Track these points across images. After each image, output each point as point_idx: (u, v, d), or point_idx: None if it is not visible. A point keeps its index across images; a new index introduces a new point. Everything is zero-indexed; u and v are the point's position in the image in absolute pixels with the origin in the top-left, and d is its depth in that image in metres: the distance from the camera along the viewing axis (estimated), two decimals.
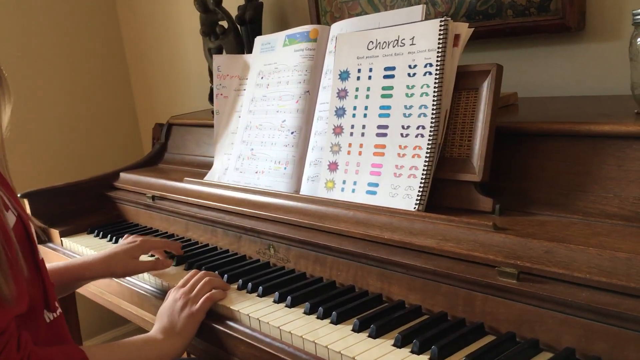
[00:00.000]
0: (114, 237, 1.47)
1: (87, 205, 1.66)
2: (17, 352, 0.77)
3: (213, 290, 1.03)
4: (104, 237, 1.51)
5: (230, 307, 1.00)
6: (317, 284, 1.03)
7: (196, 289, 1.03)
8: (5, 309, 0.76)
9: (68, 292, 1.20)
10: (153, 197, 1.50)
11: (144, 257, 1.24)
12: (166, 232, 1.46)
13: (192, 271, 1.10)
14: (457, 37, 0.99)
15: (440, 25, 0.98)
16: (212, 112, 1.51)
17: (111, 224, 1.60)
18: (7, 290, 0.75)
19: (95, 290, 1.38)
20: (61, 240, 1.55)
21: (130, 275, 1.21)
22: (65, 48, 2.43)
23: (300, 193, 1.18)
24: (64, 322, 0.95)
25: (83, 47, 2.48)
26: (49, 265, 1.01)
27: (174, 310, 1.01)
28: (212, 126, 1.51)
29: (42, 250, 1.49)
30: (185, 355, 1.63)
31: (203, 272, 1.09)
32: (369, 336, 0.84)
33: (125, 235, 1.28)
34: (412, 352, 0.78)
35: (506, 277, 0.78)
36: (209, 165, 1.49)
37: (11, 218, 0.84)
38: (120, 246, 1.20)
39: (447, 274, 0.85)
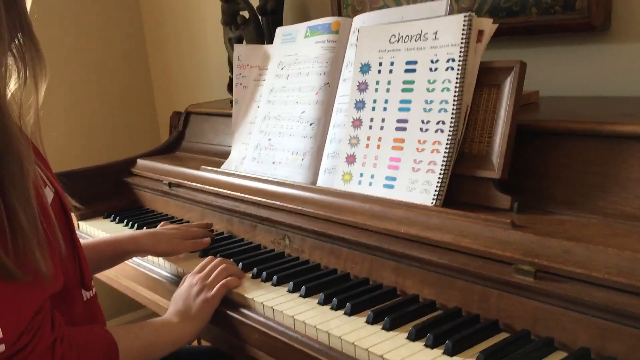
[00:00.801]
0: (130, 222, 1.48)
1: (105, 190, 1.67)
2: (51, 333, 0.78)
3: (229, 278, 1.04)
4: (120, 221, 1.53)
5: (245, 295, 1.01)
6: (332, 275, 1.04)
7: (212, 276, 1.04)
8: (42, 287, 0.77)
9: (113, 266, 1.22)
10: (170, 184, 1.51)
11: None
12: (182, 219, 1.47)
13: (208, 258, 1.11)
14: (480, 32, 0.98)
15: (464, 21, 0.98)
16: (231, 102, 1.52)
17: (128, 209, 1.61)
18: (45, 268, 0.75)
19: (111, 274, 1.39)
20: (78, 224, 1.57)
21: (171, 254, 1.22)
22: (86, 34, 2.44)
23: (317, 185, 1.18)
24: (98, 300, 0.96)
25: (104, 33, 2.50)
26: (95, 238, 1.03)
27: (189, 295, 1.02)
28: (230, 116, 1.51)
29: None
30: (196, 342, 1.65)
31: (219, 259, 1.10)
32: (383, 328, 0.84)
33: (162, 223, 1.31)
34: (426, 345, 0.78)
35: (523, 274, 0.78)
36: (226, 155, 1.50)
37: (49, 194, 0.85)
38: (165, 229, 1.24)
39: (463, 270, 0.85)
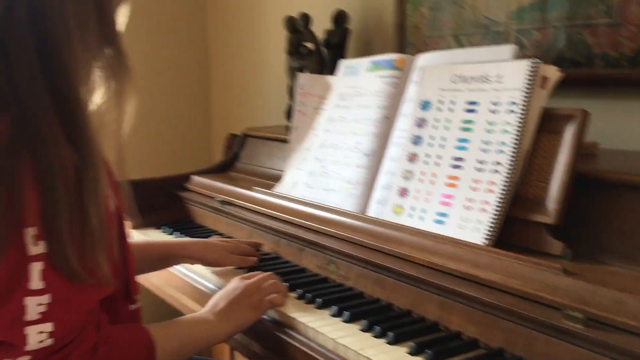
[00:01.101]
0: (181, 235, 1.52)
1: (158, 202, 1.72)
2: (96, 334, 0.81)
3: (275, 295, 1.06)
4: (171, 234, 1.57)
5: (288, 314, 1.02)
6: (375, 304, 1.04)
7: (263, 286, 1.06)
8: (100, 287, 0.80)
9: (159, 268, 1.25)
10: (222, 202, 1.56)
11: None
12: (231, 237, 1.50)
13: (259, 272, 1.13)
14: (545, 79, 1.00)
15: (530, 66, 0.99)
16: (286, 128, 1.56)
17: (179, 222, 1.66)
18: (106, 270, 0.78)
19: (158, 282, 1.43)
20: (130, 251, 1.62)
21: (218, 265, 1.26)
22: (153, 52, 2.56)
23: (368, 214, 1.20)
24: (140, 314, 0.98)
25: (170, 52, 2.61)
26: (147, 239, 1.07)
27: (233, 297, 1.03)
28: (285, 141, 1.55)
29: None
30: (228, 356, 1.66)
31: (268, 273, 1.12)
32: None
33: (214, 236, 1.36)
34: None
35: (572, 320, 0.77)
36: (277, 178, 1.53)
37: (111, 203, 0.88)
38: (216, 240, 1.29)
39: (510, 311, 0.85)
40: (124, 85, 0.87)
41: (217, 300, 1.04)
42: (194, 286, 1.28)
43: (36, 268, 0.73)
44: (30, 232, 0.72)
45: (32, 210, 0.72)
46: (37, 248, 0.73)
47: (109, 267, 0.79)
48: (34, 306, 0.73)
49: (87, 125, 0.79)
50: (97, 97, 0.91)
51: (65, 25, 0.77)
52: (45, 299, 0.73)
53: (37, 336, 0.74)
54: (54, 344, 0.75)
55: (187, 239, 1.28)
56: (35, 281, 0.73)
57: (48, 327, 0.74)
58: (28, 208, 0.72)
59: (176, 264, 1.28)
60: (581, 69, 1.26)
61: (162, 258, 1.22)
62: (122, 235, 0.93)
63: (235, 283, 1.07)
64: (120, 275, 0.90)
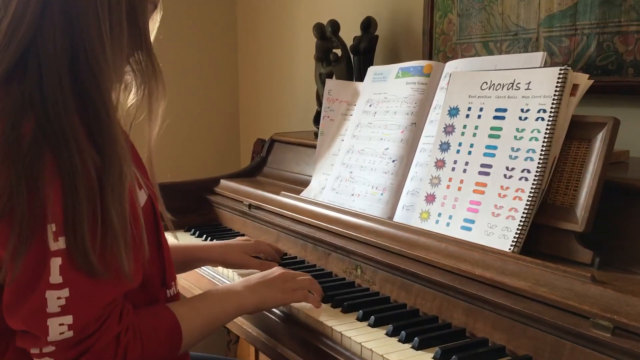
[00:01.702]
0: (209, 238, 1.55)
1: (188, 204, 1.75)
2: (118, 325, 0.83)
3: (310, 293, 1.08)
4: (199, 236, 1.60)
5: (315, 317, 1.03)
6: (401, 309, 1.05)
7: (299, 278, 1.08)
8: (120, 283, 0.82)
9: (183, 272, 1.28)
10: (249, 206, 1.57)
11: None
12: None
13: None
14: (575, 87, 1.00)
15: (560, 73, 0.99)
16: (315, 134, 1.58)
17: (207, 225, 1.69)
18: (127, 267, 0.80)
19: (186, 284, 1.45)
20: (164, 233, 1.65)
21: (239, 268, 1.29)
22: (184, 56, 2.60)
23: (394, 220, 1.21)
24: (180, 299, 1.01)
25: (200, 57, 2.66)
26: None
27: (268, 277, 1.06)
28: (313, 146, 1.57)
29: None
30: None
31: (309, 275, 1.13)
32: None
33: (238, 238, 1.38)
34: None
35: (600, 329, 0.77)
36: (305, 183, 1.55)
37: (142, 197, 0.91)
38: (235, 240, 1.30)
39: (537, 318, 0.85)
40: (154, 88, 0.90)
41: (252, 277, 1.08)
42: (213, 282, 1.29)
43: (56, 263, 0.76)
44: (52, 228, 0.75)
45: (54, 207, 0.75)
46: (57, 244, 0.76)
47: (131, 264, 0.81)
48: (54, 299, 0.76)
49: (112, 129, 0.81)
50: (128, 101, 0.95)
51: (99, 30, 0.80)
52: (64, 292, 0.77)
53: (57, 328, 0.77)
54: (74, 335, 0.78)
55: (208, 242, 1.29)
56: (55, 275, 0.76)
57: (68, 319, 0.77)
58: (50, 205, 0.75)
59: (197, 267, 1.31)
60: (611, 77, 1.25)
61: (184, 261, 1.24)
62: (156, 227, 0.95)
63: (274, 269, 1.11)
64: (155, 262, 0.93)
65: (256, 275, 1.08)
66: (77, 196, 0.76)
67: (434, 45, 1.65)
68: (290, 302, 1.07)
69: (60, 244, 0.76)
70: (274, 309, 1.12)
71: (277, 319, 1.10)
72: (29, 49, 0.79)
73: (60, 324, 0.77)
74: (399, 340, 0.93)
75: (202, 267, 1.35)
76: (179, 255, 1.22)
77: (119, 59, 0.84)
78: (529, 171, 1.00)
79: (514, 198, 1.00)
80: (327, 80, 1.57)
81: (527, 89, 1.04)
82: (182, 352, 0.93)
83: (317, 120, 1.83)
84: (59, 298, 0.76)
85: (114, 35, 0.82)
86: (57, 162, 0.76)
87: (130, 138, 0.92)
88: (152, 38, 0.99)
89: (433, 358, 0.87)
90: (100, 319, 0.80)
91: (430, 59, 1.66)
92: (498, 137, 1.06)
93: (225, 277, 1.31)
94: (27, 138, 0.76)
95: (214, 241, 1.32)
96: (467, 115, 1.13)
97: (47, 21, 0.79)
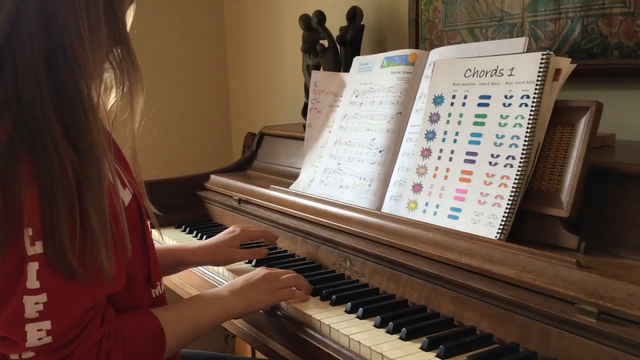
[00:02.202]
0: (199, 234, 1.54)
1: (178, 201, 1.75)
2: (99, 329, 0.81)
3: (295, 289, 1.07)
4: (190, 232, 1.59)
5: (304, 310, 1.03)
6: (390, 300, 1.05)
7: (283, 277, 1.08)
8: (101, 285, 0.80)
9: (170, 274, 1.27)
10: (239, 200, 1.57)
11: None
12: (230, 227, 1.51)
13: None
14: (558, 71, 0.99)
15: (542, 58, 0.98)
16: (304, 126, 1.57)
17: (198, 221, 1.68)
18: (108, 269, 0.79)
19: (177, 281, 1.45)
20: (150, 231, 1.64)
21: (230, 263, 1.28)
22: (171, 52, 2.59)
23: (382, 211, 1.20)
24: (165, 299, 1.00)
25: (188, 53, 2.64)
26: (158, 246, 1.10)
27: (252, 279, 1.06)
28: (302, 139, 1.56)
29: None
30: (250, 354, 1.68)
31: (294, 273, 1.13)
32: (437, 356, 0.84)
33: (224, 231, 1.32)
34: None
35: (585, 314, 0.77)
36: (294, 176, 1.54)
37: (127, 196, 0.90)
38: (221, 236, 1.28)
39: (523, 305, 0.84)
40: (133, 84, 0.88)
41: (236, 280, 1.07)
42: (211, 283, 1.29)
43: (33, 268, 0.74)
44: (29, 232, 0.74)
45: (30, 212, 0.74)
46: (34, 248, 0.74)
47: (112, 265, 0.79)
48: (31, 304, 0.75)
49: (90, 128, 0.80)
50: (110, 99, 0.93)
51: (77, 27, 0.78)
52: (42, 297, 0.75)
53: (36, 334, 0.75)
54: (53, 341, 0.76)
55: (196, 243, 1.26)
56: (32, 280, 0.74)
57: (47, 325, 0.75)
58: (26, 209, 0.73)
59: (185, 269, 1.30)
60: (597, 60, 1.24)
61: (173, 264, 1.22)
62: (141, 226, 0.94)
63: (258, 270, 1.10)
64: (140, 261, 0.92)
65: (241, 278, 1.07)
66: (55, 199, 0.74)
67: (420, 34, 1.64)
68: (276, 302, 1.07)
69: (37, 248, 0.74)
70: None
71: (266, 314, 1.10)
72: (4, 48, 0.77)
73: (38, 330, 0.75)
74: (387, 332, 0.93)
75: None
76: (168, 258, 1.21)
77: (98, 55, 0.83)
78: (513, 158, 0.99)
79: (500, 185, 1.00)
80: (313, 72, 1.56)
81: (510, 75, 1.03)
82: (166, 357, 0.91)
83: (305, 112, 1.82)
84: (36, 303, 0.75)
85: (92, 31, 0.80)
86: (34, 164, 0.75)
87: (113, 136, 0.91)
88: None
89: (420, 348, 0.87)
90: (82, 325, 0.79)
91: (416, 47, 1.65)
92: (483, 124, 1.06)
93: (216, 273, 1.31)
94: (2, 141, 0.75)
95: (202, 240, 1.30)
96: (452, 104, 1.12)
97: (23, 19, 0.77)
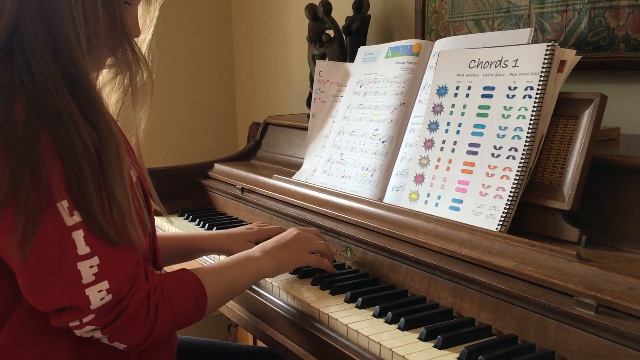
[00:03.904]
0: (202, 222, 1.55)
1: (181, 189, 1.75)
2: (146, 283, 0.85)
3: (323, 259, 1.11)
4: (193, 220, 1.59)
5: (303, 299, 1.03)
6: (389, 290, 1.05)
7: (315, 242, 1.11)
8: (135, 248, 0.84)
9: (185, 260, 1.26)
10: (242, 189, 1.57)
11: None
12: (250, 223, 1.51)
13: (313, 229, 1.18)
14: (562, 63, 0.98)
15: (547, 50, 0.98)
16: (308, 116, 1.57)
17: (201, 209, 1.68)
18: (136, 239, 0.82)
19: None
20: (154, 218, 1.65)
21: None
22: (178, 42, 2.59)
23: (384, 201, 1.20)
24: None
25: (195, 43, 2.64)
26: (171, 232, 1.11)
27: (284, 240, 1.09)
28: (306, 129, 1.56)
29: None
30: (252, 343, 1.68)
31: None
32: (435, 346, 0.84)
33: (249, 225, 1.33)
34: None
35: (584, 307, 0.76)
36: (298, 166, 1.54)
37: (133, 176, 0.91)
38: (239, 229, 1.28)
39: (523, 297, 0.84)
40: (136, 76, 0.89)
41: (267, 242, 1.10)
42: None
43: (79, 235, 0.78)
44: (64, 205, 0.77)
45: (59, 186, 0.76)
46: (73, 218, 0.77)
47: (139, 235, 0.84)
48: (87, 269, 0.78)
49: (101, 105, 0.83)
50: (113, 90, 0.96)
51: (72, 19, 0.80)
52: (94, 260, 0.79)
53: (97, 295, 0.79)
54: (112, 298, 0.80)
55: (212, 232, 1.27)
56: (82, 247, 0.78)
57: (105, 284, 0.80)
58: (55, 184, 0.76)
59: (200, 256, 1.29)
60: (603, 53, 1.23)
61: (187, 251, 1.23)
62: (147, 207, 0.96)
63: (290, 230, 1.13)
64: (147, 240, 0.93)
65: (272, 240, 1.10)
66: (81, 173, 0.77)
67: (427, 24, 1.63)
68: (304, 264, 1.10)
69: (76, 217, 0.77)
70: (263, 292, 1.12)
71: (266, 302, 1.10)
72: (13, 34, 0.80)
73: (99, 291, 0.79)
74: (386, 321, 0.93)
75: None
76: (181, 245, 1.21)
77: (96, 47, 0.85)
78: (516, 150, 0.99)
79: (502, 177, 0.99)
80: (318, 62, 1.56)
81: (515, 66, 1.03)
82: (208, 314, 0.95)
83: (309, 102, 1.81)
84: (91, 267, 0.78)
85: (88, 24, 0.83)
86: (55, 141, 0.77)
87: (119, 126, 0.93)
88: (150, 26, 0.99)
89: (419, 338, 0.87)
90: (131, 281, 0.83)
91: (422, 38, 1.64)
92: (486, 115, 1.05)
93: (214, 260, 1.31)
94: (20, 120, 0.76)
95: (219, 230, 1.29)
96: (456, 94, 1.12)
97: (25, 10, 0.80)
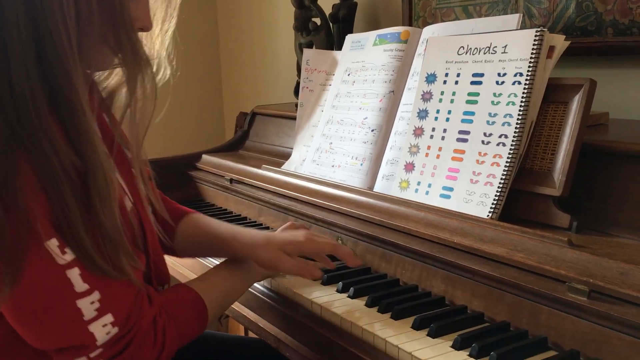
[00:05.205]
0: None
1: (169, 181, 1.72)
2: (150, 308, 0.81)
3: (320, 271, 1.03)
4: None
5: (294, 290, 1.03)
6: (381, 279, 1.04)
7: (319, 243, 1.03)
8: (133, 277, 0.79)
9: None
10: (231, 180, 1.56)
11: None
12: (239, 215, 1.51)
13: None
14: (551, 48, 0.98)
15: (536, 36, 0.97)
16: (296, 105, 1.55)
17: (189, 201, 1.67)
18: (128, 270, 0.77)
19: (184, 271, 1.42)
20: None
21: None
22: None
23: (374, 190, 1.19)
24: None
25: (179, 32, 2.60)
26: (213, 225, 1.07)
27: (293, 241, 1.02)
28: (294, 118, 1.55)
29: None
30: (244, 333, 1.68)
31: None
32: (428, 335, 0.84)
33: (289, 223, 1.13)
34: (470, 355, 0.78)
35: (576, 293, 0.76)
36: (286, 156, 1.53)
37: (127, 204, 0.86)
38: (280, 231, 1.09)
39: (514, 284, 0.84)
40: (136, 74, 0.80)
41: (276, 234, 1.05)
42: (205, 265, 1.29)
43: (75, 273, 0.72)
44: (53, 243, 0.71)
45: (44, 223, 0.70)
46: (65, 257, 0.71)
47: (134, 264, 0.78)
48: (87, 305, 0.73)
49: (89, 126, 0.74)
50: (118, 89, 0.90)
51: (61, 14, 0.71)
52: (95, 296, 0.74)
53: (102, 329, 0.74)
54: (119, 330, 0.76)
55: (249, 236, 1.04)
56: (79, 284, 0.73)
57: (109, 318, 0.75)
58: (39, 221, 0.69)
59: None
60: (591, 38, 1.23)
61: (219, 252, 1.09)
62: (143, 236, 0.89)
63: (299, 233, 1.03)
64: (143, 260, 0.87)
65: (282, 234, 1.05)
66: (68, 207, 0.70)
67: (414, 11, 1.62)
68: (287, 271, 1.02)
69: (68, 256, 0.72)
70: (255, 284, 1.11)
71: (258, 294, 1.10)
72: None
73: (103, 325, 0.74)
74: (378, 311, 0.93)
75: None
76: (218, 245, 1.07)
77: (88, 43, 0.76)
78: (506, 136, 0.98)
79: (492, 164, 0.99)
80: (305, 50, 1.54)
81: (504, 52, 1.02)
82: (209, 324, 0.92)
83: (297, 91, 1.80)
84: (92, 303, 0.73)
85: (80, 17, 0.73)
86: (34, 171, 0.69)
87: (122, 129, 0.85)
88: (173, 16, 0.89)
89: (412, 327, 0.87)
90: (136, 310, 0.78)
91: (410, 24, 1.63)
92: (475, 102, 1.05)
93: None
94: None
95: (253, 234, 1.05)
96: (445, 82, 1.11)
97: (11, 13, 0.70)
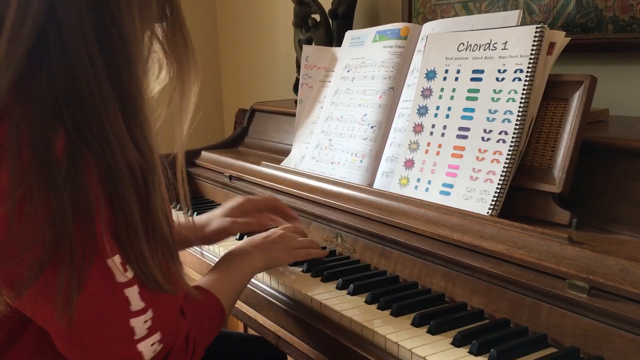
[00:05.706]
0: (189, 211, 1.53)
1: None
2: (185, 321, 0.79)
3: (312, 250, 1.09)
4: (180, 209, 1.58)
5: (294, 286, 1.03)
6: (381, 276, 1.04)
7: (299, 239, 1.09)
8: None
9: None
10: (230, 177, 1.56)
11: None
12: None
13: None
14: (552, 45, 0.97)
15: (536, 32, 0.97)
16: (295, 102, 1.55)
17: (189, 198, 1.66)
18: (182, 277, 0.77)
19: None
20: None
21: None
22: None
23: (374, 187, 1.19)
24: None
25: None
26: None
27: (271, 237, 1.06)
28: (293, 115, 1.54)
29: None
30: (243, 330, 1.68)
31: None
32: (428, 332, 0.84)
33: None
34: (470, 352, 0.78)
35: (576, 290, 0.76)
36: (286, 153, 1.53)
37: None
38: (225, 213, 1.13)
39: (515, 281, 0.84)
40: (185, 69, 0.77)
41: (253, 237, 1.06)
42: (203, 261, 1.29)
43: (134, 292, 0.70)
44: (117, 260, 0.68)
45: (108, 237, 0.67)
46: (127, 274, 0.69)
47: (182, 271, 0.78)
48: (140, 324, 0.71)
49: (149, 122, 0.70)
50: (157, 83, 0.84)
51: (127, 3, 0.68)
52: (148, 314, 0.72)
53: (150, 348, 0.73)
54: (163, 347, 0.74)
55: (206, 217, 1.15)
56: (136, 303, 0.70)
57: (157, 336, 0.73)
58: (104, 234, 0.66)
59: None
60: (592, 34, 1.22)
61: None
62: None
63: (274, 230, 1.10)
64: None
65: (259, 236, 1.07)
66: (131, 215, 0.67)
67: (413, 7, 1.62)
68: (294, 260, 1.08)
69: (129, 273, 0.69)
70: (254, 280, 1.11)
71: (257, 290, 1.09)
72: (47, 27, 0.64)
73: (152, 344, 0.72)
74: (378, 308, 0.93)
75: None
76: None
77: (146, 29, 0.72)
78: (506, 133, 0.98)
79: (492, 161, 0.99)
80: (304, 46, 1.54)
81: (504, 48, 1.02)
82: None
83: (296, 88, 1.79)
84: (145, 322, 0.71)
85: (142, 7, 0.69)
86: (102, 175, 0.65)
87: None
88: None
89: (412, 324, 0.87)
90: (178, 323, 0.77)
91: (409, 21, 1.63)
92: (475, 99, 1.04)
93: (212, 253, 1.30)
94: (63, 150, 0.63)
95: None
96: (445, 78, 1.11)
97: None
